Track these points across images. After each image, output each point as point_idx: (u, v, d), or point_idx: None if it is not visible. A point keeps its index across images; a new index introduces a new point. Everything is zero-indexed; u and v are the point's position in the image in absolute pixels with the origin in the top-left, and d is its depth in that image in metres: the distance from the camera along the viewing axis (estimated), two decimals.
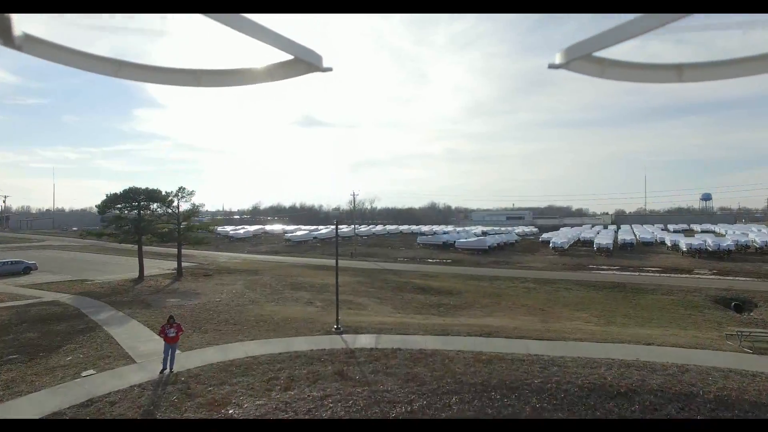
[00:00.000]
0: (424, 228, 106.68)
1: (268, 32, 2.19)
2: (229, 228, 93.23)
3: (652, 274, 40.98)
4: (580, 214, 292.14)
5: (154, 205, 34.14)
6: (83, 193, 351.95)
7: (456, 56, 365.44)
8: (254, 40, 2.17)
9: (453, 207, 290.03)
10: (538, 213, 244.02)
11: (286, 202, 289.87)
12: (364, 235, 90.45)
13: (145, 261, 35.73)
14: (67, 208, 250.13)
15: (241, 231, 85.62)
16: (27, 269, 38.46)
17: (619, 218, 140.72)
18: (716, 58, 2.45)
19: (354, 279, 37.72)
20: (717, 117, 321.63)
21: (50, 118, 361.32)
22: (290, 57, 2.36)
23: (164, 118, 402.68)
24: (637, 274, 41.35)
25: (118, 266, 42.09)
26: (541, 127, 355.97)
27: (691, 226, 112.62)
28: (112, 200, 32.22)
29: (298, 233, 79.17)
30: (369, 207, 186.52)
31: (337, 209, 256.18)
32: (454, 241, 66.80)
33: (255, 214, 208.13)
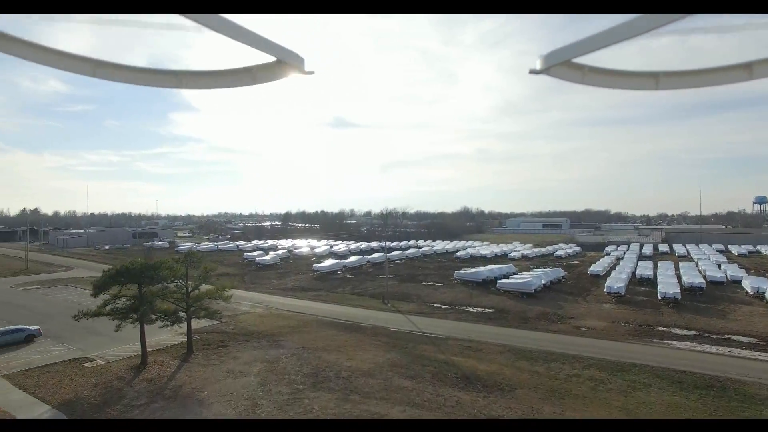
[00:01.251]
0: (460, 249, 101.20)
1: (248, 34, 2.24)
2: (255, 252, 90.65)
3: (749, 353, 33.73)
4: (619, 218, 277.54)
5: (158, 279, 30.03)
6: (123, 194, 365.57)
7: (485, 55, 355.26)
8: (238, 43, 2.22)
9: (486, 211, 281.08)
10: (574, 218, 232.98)
11: (317, 207, 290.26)
12: (397, 260, 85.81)
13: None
14: (109, 212, 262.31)
15: (268, 257, 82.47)
16: (30, 337, 35.29)
17: (671, 236, 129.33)
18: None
19: (385, 357, 32.62)
20: (759, 112, 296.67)
21: (94, 123, 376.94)
22: (273, 59, 2.58)
23: (198, 121, 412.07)
24: (726, 351, 34.29)
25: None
26: (573, 126, 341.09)
27: (758, 247, 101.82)
28: (110, 278, 28.26)
29: (327, 263, 74.97)
30: (401, 213, 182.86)
31: (368, 214, 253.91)
32: (495, 278, 60.95)
33: (286, 220, 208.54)
